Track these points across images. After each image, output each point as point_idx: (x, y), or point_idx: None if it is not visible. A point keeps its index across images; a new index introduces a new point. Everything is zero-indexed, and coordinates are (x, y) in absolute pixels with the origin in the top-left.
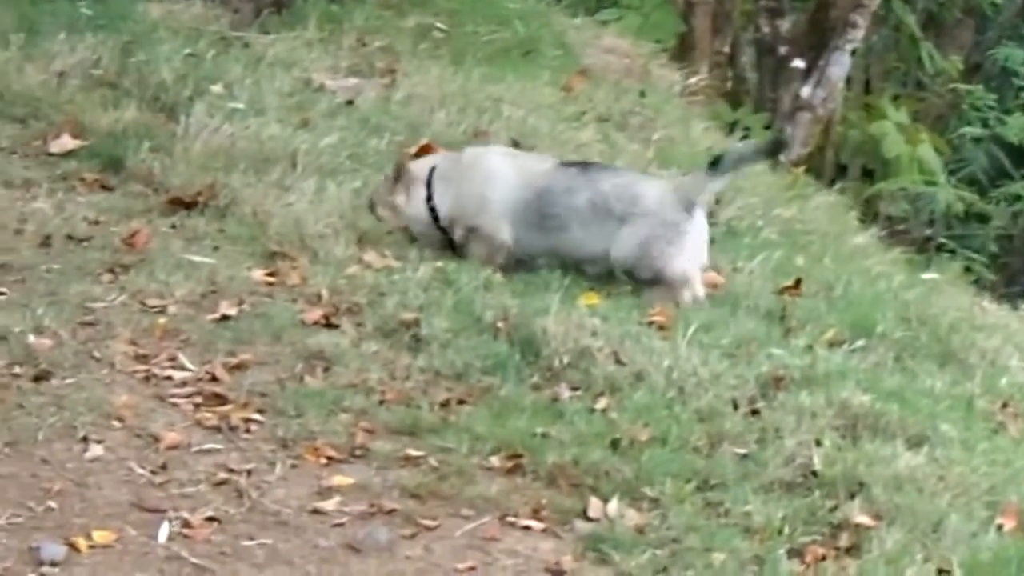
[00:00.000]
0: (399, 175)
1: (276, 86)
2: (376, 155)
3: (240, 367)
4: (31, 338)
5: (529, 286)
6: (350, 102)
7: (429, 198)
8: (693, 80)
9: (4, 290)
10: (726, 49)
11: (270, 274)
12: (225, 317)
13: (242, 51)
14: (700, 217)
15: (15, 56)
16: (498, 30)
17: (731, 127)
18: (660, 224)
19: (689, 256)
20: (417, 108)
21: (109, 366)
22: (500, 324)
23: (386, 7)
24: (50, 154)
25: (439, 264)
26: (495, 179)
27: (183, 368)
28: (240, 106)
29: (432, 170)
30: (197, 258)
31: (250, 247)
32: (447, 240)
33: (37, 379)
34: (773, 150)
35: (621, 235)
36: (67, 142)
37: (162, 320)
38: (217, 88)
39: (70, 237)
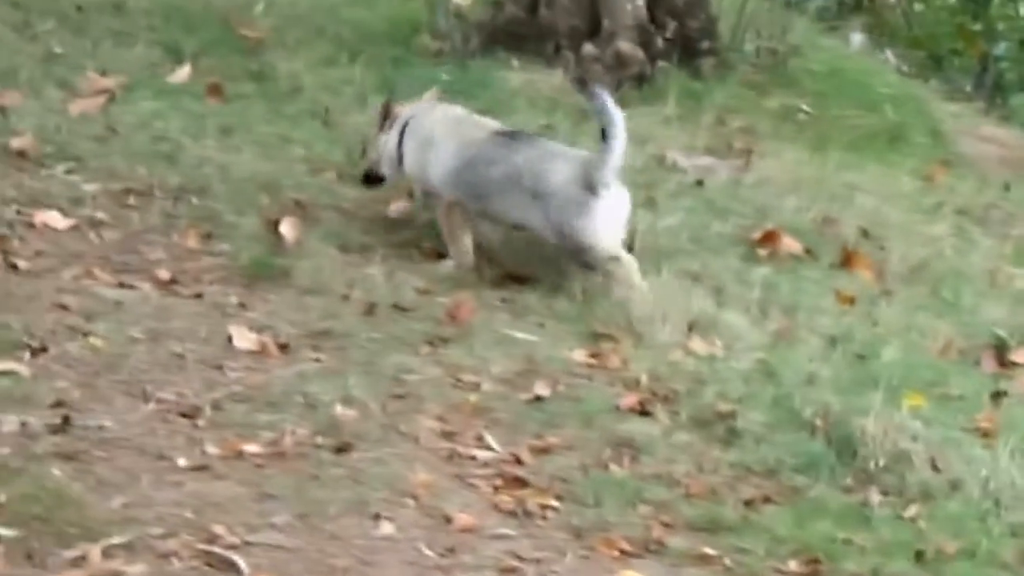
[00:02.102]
0: (386, 114)
1: (628, 161)
2: (718, 239)
3: (546, 450)
4: (339, 408)
5: (854, 383)
6: (700, 182)
7: (400, 143)
8: None
9: (322, 356)
10: None
11: (591, 355)
12: (538, 398)
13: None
14: (606, 194)
15: (371, 119)
16: (865, 114)
17: None
18: (565, 201)
19: (600, 231)
20: (767, 192)
21: (413, 441)
22: (818, 421)
23: (749, 86)
24: (388, 219)
25: (762, 355)
26: (437, 146)
27: (488, 448)
28: None
29: (409, 119)
30: (519, 334)
31: (575, 326)
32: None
33: (338, 451)
34: None
35: (534, 209)
36: (406, 207)
37: (473, 397)
38: None
39: (396, 306)
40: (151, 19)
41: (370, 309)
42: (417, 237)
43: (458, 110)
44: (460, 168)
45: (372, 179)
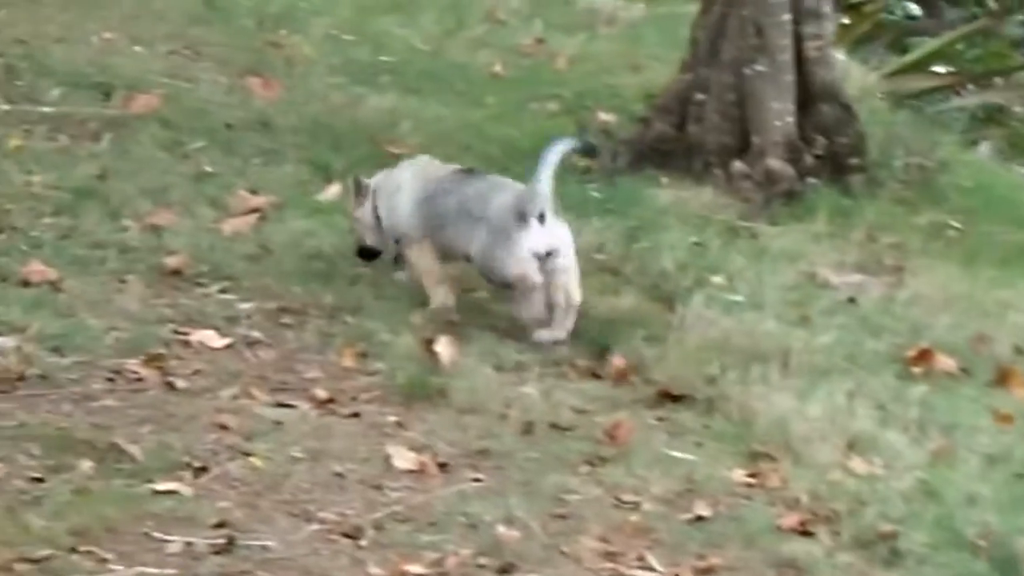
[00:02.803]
0: (358, 189)
1: (778, 279)
2: (873, 356)
3: (708, 571)
4: (500, 528)
5: (1015, 502)
6: (852, 300)
7: (375, 208)
8: None
9: (481, 476)
10: None
11: (750, 475)
12: (699, 518)
13: (747, 241)
14: (537, 225)
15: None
16: (1015, 230)
17: None
18: (494, 230)
19: (520, 261)
20: (920, 310)
21: (575, 562)
22: (980, 542)
23: (898, 203)
24: None
25: (921, 475)
26: (404, 188)
27: (650, 569)
28: (739, 299)
29: (379, 183)
30: (678, 454)
31: (733, 445)
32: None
33: (501, 572)
34: (586, 151)
35: (476, 234)
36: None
37: (634, 517)
38: (718, 279)
39: (553, 425)
40: (299, 137)
41: (528, 428)
42: (571, 355)
43: (423, 158)
44: (422, 202)
45: (366, 253)
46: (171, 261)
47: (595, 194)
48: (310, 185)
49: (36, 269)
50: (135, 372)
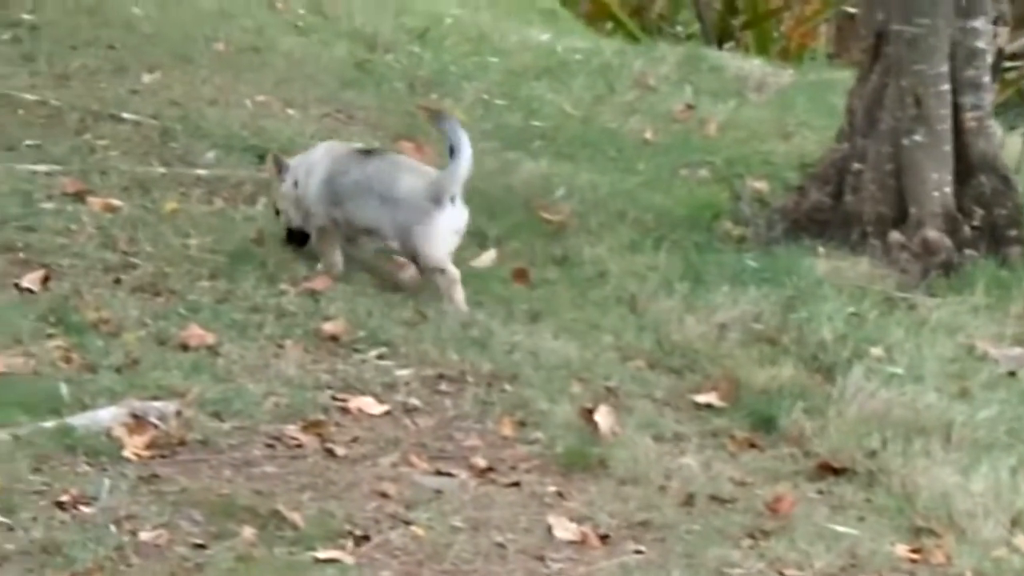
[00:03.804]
0: (279, 167)
1: (937, 352)
2: None
3: None
4: None
5: None
6: (1012, 373)
7: (295, 185)
8: None
9: (643, 548)
10: None
11: (914, 551)
12: None
13: (906, 313)
14: (450, 208)
15: (677, 306)
16: None
17: None
18: (412, 210)
19: (438, 241)
20: None
21: None
22: None
23: None
24: (701, 408)
25: None
26: (314, 168)
27: None
28: (898, 371)
29: (299, 163)
30: (840, 528)
31: (895, 520)
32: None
33: None
34: None
35: (382, 213)
36: (719, 397)
37: None
38: (876, 351)
39: (714, 497)
40: None
41: (689, 500)
42: (729, 426)
43: (335, 142)
44: (326, 180)
45: (295, 237)
46: (328, 326)
47: (751, 263)
48: (466, 252)
49: (195, 333)
50: (294, 438)
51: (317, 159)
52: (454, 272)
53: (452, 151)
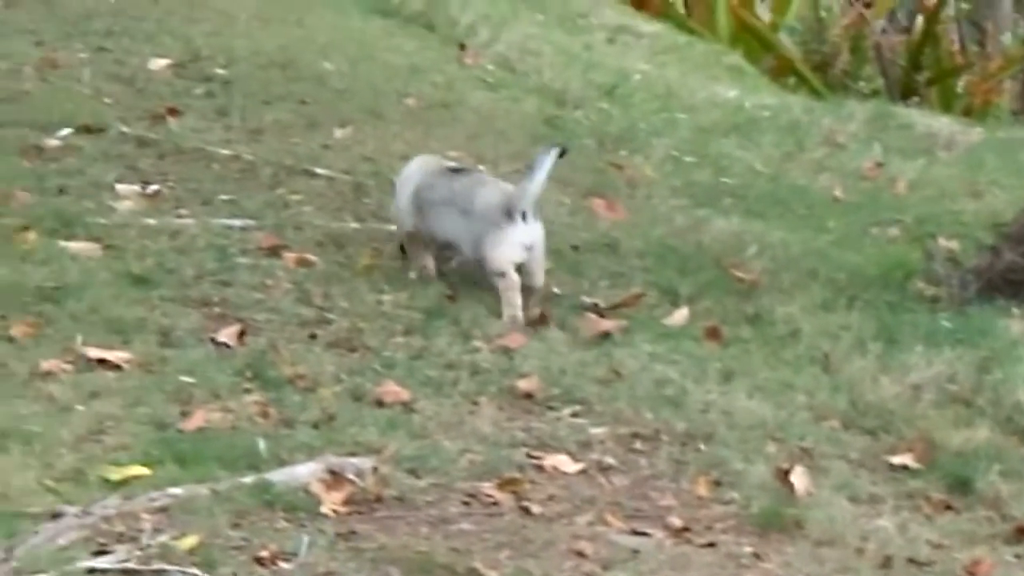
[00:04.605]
0: (393, 186)
1: None
2: None
3: None
4: None
5: None
6: None
7: (393, 195)
8: None
9: None
10: None
11: None
12: None
13: None
14: (521, 222)
15: (871, 366)
16: None
17: None
18: (485, 223)
19: (505, 254)
20: None
21: None
22: None
23: None
24: (895, 469)
25: None
26: (404, 181)
27: None
28: None
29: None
30: None
31: None
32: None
33: None
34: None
35: (461, 225)
36: (914, 459)
37: None
38: None
39: (911, 560)
40: (645, 260)
41: (886, 562)
42: (925, 487)
43: (429, 156)
44: (414, 194)
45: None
46: (523, 384)
47: (945, 323)
48: (657, 309)
49: (390, 390)
50: (490, 496)
51: (410, 172)
52: (514, 279)
53: (528, 170)
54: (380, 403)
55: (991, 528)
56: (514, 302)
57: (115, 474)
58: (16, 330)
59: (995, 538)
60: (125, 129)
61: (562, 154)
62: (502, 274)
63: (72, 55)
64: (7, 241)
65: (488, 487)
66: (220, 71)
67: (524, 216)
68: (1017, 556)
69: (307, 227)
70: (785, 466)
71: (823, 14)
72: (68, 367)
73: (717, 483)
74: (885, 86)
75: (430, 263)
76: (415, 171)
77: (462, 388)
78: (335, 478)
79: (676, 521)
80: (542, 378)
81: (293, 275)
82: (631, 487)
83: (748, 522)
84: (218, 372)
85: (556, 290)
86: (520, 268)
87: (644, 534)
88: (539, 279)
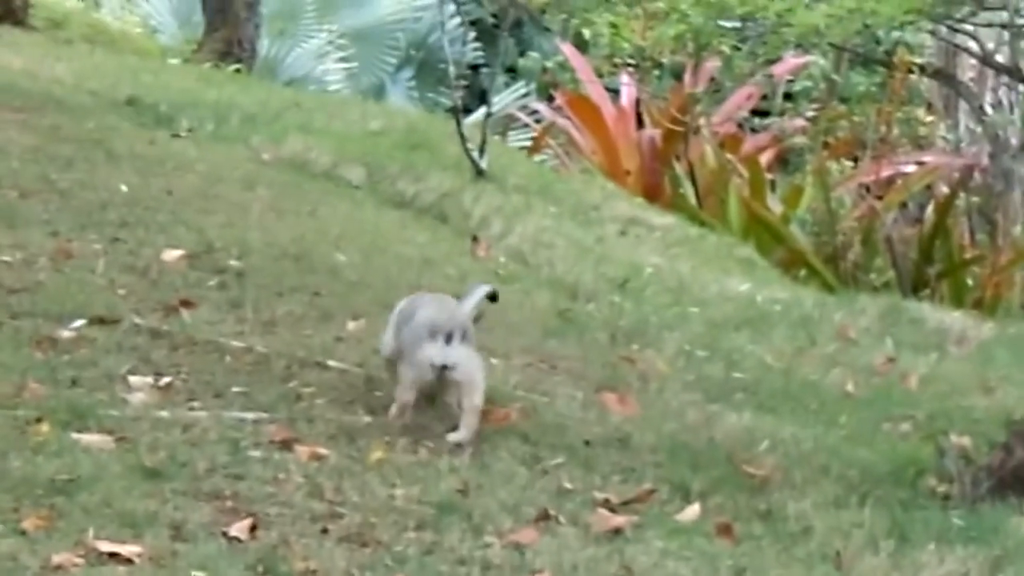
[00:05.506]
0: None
1: None
2: None
3: None
4: None
5: None
6: None
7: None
8: None
9: None
10: None
11: None
12: None
13: None
14: (441, 344)
15: (883, 564)
16: None
17: None
18: (411, 341)
19: (413, 365)
20: None
21: None
22: None
23: None
24: None
25: None
26: (395, 311)
27: None
28: None
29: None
30: None
31: None
32: None
33: None
34: (492, 297)
35: (403, 339)
36: None
37: None
38: None
39: None
40: (657, 455)
41: None
42: None
43: (428, 292)
44: (396, 315)
45: None
46: None
47: (958, 521)
48: (668, 505)
49: None
50: None
51: (403, 303)
52: (406, 398)
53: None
54: None
55: None
56: (400, 413)
57: None
58: (28, 523)
59: None
60: (138, 320)
61: (492, 298)
62: (405, 386)
63: (87, 245)
64: (21, 433)
65: None
66: (234, 263)
67: (449, 338)
68: None
69: (319, 420)
70: None
71: (834, 206)
72: (79, 560)
73: None
74: (896, 279)
75: (411, 399)
76: (406, 301)
77: None
78: None
79: None
80: (554, 573)
81: (305, 469)
82: None
83: None
84: (230, 567)
85: (568, 485)
86: (447, 388)
87: None
88: (474, 399)
